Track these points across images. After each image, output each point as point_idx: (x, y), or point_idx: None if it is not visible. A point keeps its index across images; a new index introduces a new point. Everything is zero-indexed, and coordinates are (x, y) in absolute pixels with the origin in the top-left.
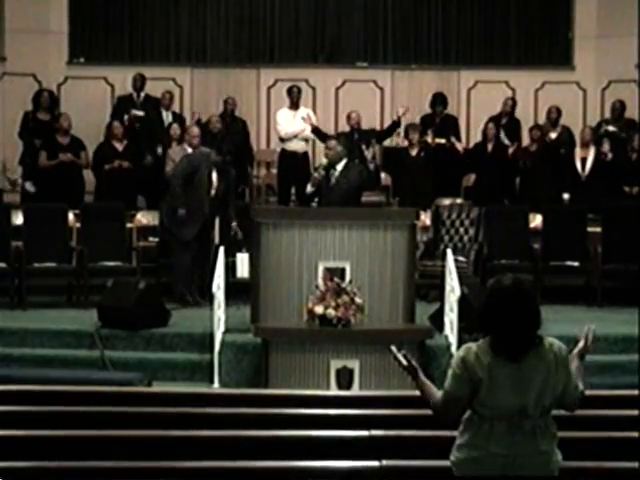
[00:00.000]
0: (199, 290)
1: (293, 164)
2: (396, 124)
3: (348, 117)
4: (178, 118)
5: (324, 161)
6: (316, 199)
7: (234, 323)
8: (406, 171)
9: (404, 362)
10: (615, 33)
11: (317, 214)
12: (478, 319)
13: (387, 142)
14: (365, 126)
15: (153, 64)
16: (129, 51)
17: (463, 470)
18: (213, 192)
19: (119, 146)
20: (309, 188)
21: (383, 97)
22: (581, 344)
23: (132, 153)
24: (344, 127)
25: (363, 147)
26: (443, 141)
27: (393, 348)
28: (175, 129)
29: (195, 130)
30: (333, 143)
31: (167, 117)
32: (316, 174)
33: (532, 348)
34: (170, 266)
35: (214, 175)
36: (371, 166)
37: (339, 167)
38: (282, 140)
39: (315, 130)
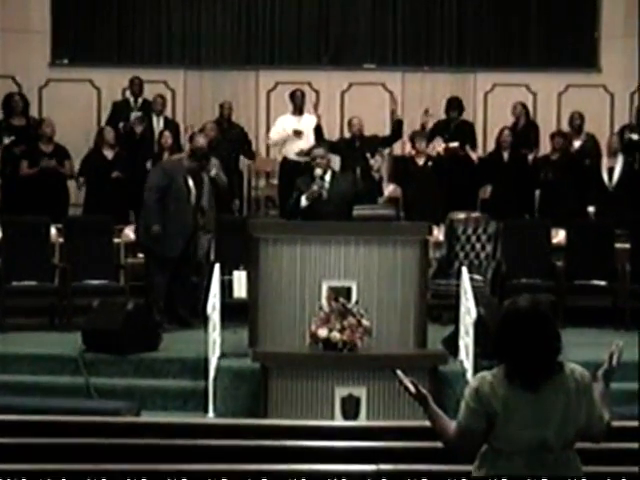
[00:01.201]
0: (192, 310)
1: (295, 174)
2: (399, 124)
3: (349, 123)
4: (171, 125)
5: (319, 171)
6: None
7: (230, 347)
8: (413, 182)
9: (412, 389)
10: None
11: (321, 229)
12: (493, 344)
13: (396, 151)
14: (373, 132)
15: (143, 66)
16: (117, 52)
17: None
18: (193, 200)
19: (109, 154)
20: (304, 202)
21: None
22: (606, 364)
23: (123, 162)
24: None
25: (368, 156)
26: (456, 144)
27: (399, 372)
28: (167, 137)
29: (201, 140)
30: (322, 152)
31: (158, 124)
32: (315, 186)
33: (551, 376)
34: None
35: (190, 182)
36: (376, 176)
37: (327, 177)
38: (279, 147)
39: (318, 130)
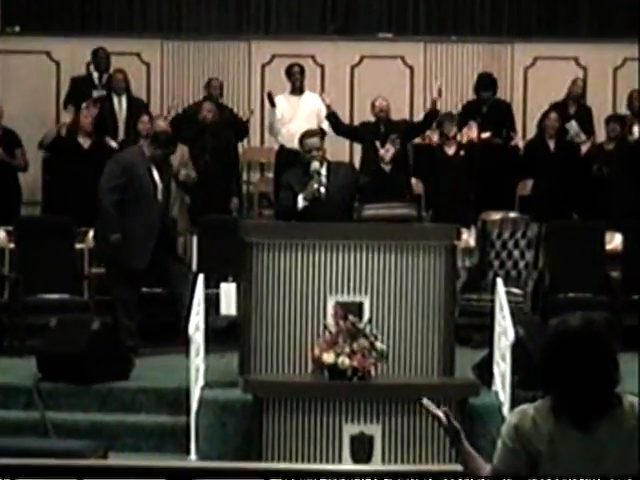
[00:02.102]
0: (171, 329)
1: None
2: (433, 114)
3: (372, 105)
4: (137, 107)
5: (316, 165)
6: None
7: (217, 375)
8: (442, 176)
9: (444, 419)
10: None
11: (327, 232)
12: (537, 371)
13: (417, 138)
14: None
15: (112, 35)
16: (80, 18)
17: None
18: (160, 196)
19: (85, 142)
20: (301, 202)
21: (413, 78)
22: None
23: (101, 153)
24: (363, 116)
25: (377, 144)
26: (488, 134)
27: (426, 401)
28: (145, 122)
29: (161, 124)
30: (317, 141)
31: (120, 105)
32: (315, 184)
33: (607, 411)
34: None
35: (155, 174)
36: (386, 168)
37: (323, 171)
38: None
39: (332, 116)
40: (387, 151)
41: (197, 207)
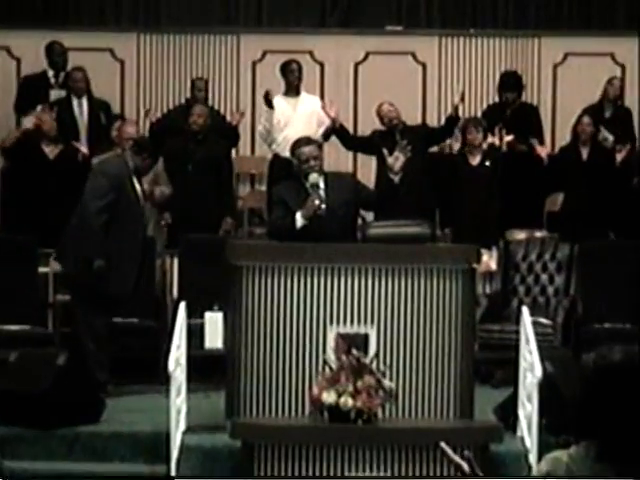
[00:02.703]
0: (148, 365)
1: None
2: (454, 121)
3: (379, 114)
4: (101, 110)
5: (315, 177)
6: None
7: (201, 418)
8: (462, 189)
9: (465, 466)
10: None
11: (327, 254)
12: (570, 413)
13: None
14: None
15: (81, 29)
16: (44, 10)
17: None
18: (146, 214)
19: (51, 151)
20: (300, 220)
21: (425, 78)
22: None
23: (70, 164)
24: (368, 121)
25: (385, 152)
26: (509, 138)
27: (445, 446)
28: (127, 126)
29: (129, 129)
30: (315, 149)
31: (81, 109)
32: (316, 200)
33: None
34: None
35: (137, 187)
36: (395, 179)
37: (321, 183)
38: (269, 144)
39: (339, 130)
40: (396, 159)
41: (181, 226)
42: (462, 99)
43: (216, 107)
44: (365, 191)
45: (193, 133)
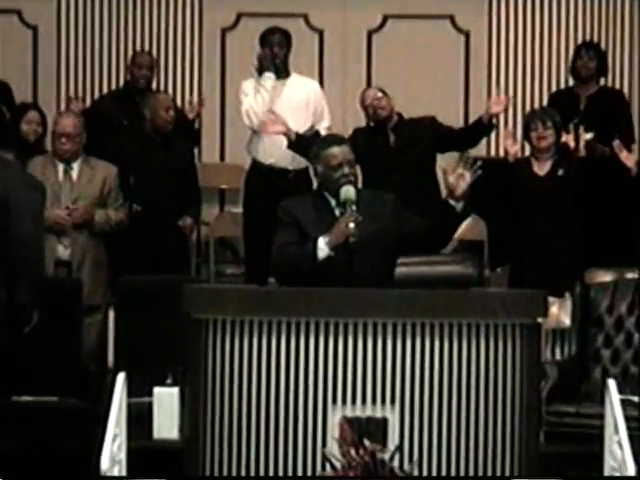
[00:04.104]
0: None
1: (276, 193)
2: (483, 128)
3: (362, 101)
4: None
5: (349, 190)
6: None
7: None
8: (525, 210)
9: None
10: None
11: (328, 301)
12: None
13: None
14: (424, 114)
15: None
16: None
17: None
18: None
19: None
20: (324, 249)
21: (469, 51)
22: None
23: None
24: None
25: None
26: (589, 136)
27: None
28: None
29: (66, 121)
30: (347, 151)
31: None
32: (352, 222)
33: None
34: None
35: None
36: (458, 207)
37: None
38: (253, 136)
39: (296, 142)
40: (461, 179)
41: (125, 263)
42: (503, 108)
43: (171, 94)
44: (409, 219)
45: (158, 134)
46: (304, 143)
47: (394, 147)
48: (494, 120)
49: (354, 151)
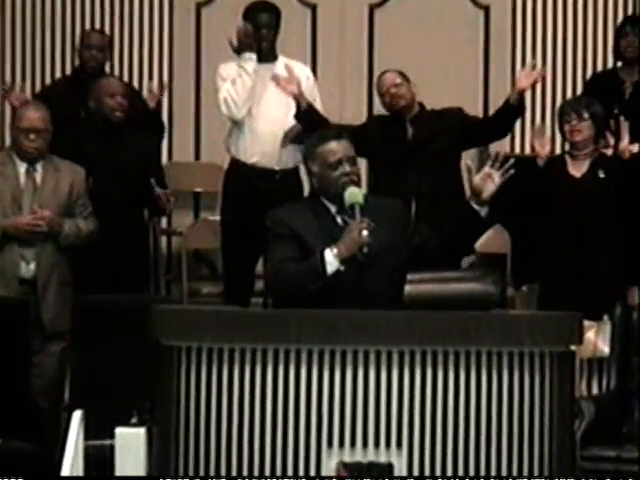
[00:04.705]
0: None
1: (260, 198)
2: (513, 111)
3: (378, 87)
4: None
5: (355, 192)
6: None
7: None
8: (558, 218)
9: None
10: None
11: (322, 325)
12: None
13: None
14: (448, 105)
15: None
16: None
17: None
18: None
19: None
20: (334, 262)
21: (489, 30)
22: None
23: None
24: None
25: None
26: (635, 148)
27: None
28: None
29: (32, 114)
30: (347, 145)
31: None
32: (364, 229)
33: None
34: None
35: None
36: (482, 212)
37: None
38: (234, 125)
39: (306, 112)
40: (489, 180)
41: (84, 282)
42: (534, 82)
43: (127, 79)
44: (418, 228)
45: (107, 125)
46: (315, 117)
47: (412, 142)
48: (525, 97)
49: (365, 143)
